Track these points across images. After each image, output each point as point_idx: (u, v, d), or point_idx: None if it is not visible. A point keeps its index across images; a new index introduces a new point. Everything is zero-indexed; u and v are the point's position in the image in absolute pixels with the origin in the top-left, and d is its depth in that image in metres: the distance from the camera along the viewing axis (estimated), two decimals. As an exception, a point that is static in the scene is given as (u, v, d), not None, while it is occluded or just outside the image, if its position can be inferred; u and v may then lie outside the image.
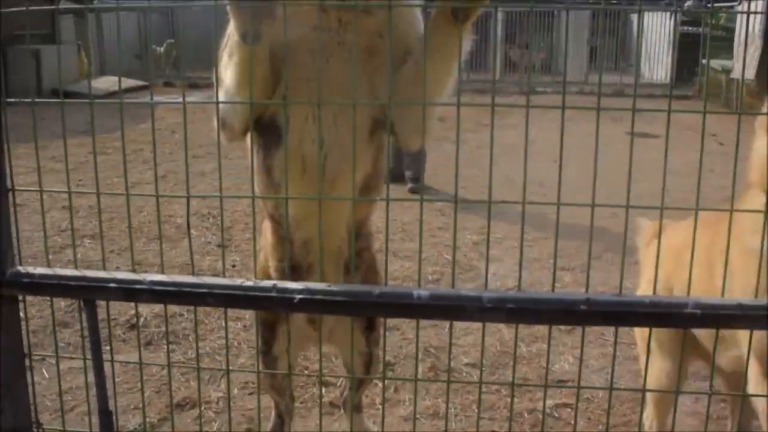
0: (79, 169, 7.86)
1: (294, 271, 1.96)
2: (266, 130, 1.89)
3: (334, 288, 1.41)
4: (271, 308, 1.40)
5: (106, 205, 6.05)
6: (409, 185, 7.35)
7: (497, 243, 5.44)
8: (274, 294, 1.41)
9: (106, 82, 16.24)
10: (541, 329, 4.07)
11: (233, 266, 4.98)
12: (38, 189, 1.65)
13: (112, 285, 1.46)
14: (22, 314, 1.60)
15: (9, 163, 1.56)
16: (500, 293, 1.40)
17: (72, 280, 1.49)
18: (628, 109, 1.44)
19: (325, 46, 1.75)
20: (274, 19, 1.56)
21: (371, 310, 1.53)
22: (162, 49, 19.46)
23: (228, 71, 1.76)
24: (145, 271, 4.63)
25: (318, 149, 1.80)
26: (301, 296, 1.39)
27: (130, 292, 1.46)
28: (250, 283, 1.44)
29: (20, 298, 1.55)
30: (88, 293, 1.48)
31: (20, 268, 1.53)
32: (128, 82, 16.34)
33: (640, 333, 2.65)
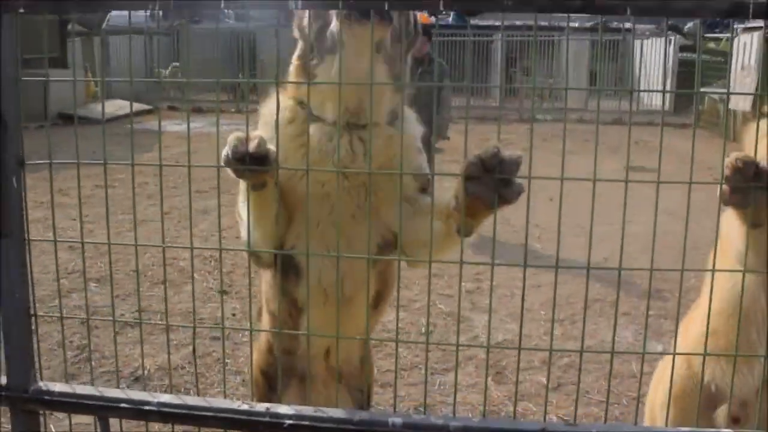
0: (86, 204, 7.96)
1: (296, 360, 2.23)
2: (286, 259, 2.10)
3: (320, 414, 1.60)
4: (264, 431, 1.59)
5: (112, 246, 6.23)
6: None
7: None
8: (267, 419, 1.60)
9: (112, 106, 16.51)
10: (528, 386, 4.27)
11: (233, 315, 5.16)
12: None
13: (123, 405, 1.65)
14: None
15: (32, 288, 1.76)
16: (465, 420, 1.58)
17: (88, 399, 1.68)
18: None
19: (329, 195, 1.97)
20: (272, 178, 1.78)
21: (352, 435, 1.72)
22: (167, 71, 19.74)
23: (243, 210, 1.99)
24: (149, 319, 4.83)
25: (337, 283, 2.00)
26: (290, 421, 1.59)
27: (140, 413, 1.65)
28: (246, 407, 1.63)
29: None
30: (102, 412, 1.67)
31: (41, 385, 1.73)
32: (134, 106, 16.57)
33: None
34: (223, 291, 5.61)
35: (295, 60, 2.11)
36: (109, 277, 5.93)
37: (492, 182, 1.62)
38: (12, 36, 1.59)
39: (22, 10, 1.54)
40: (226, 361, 4.43)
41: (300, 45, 2.08)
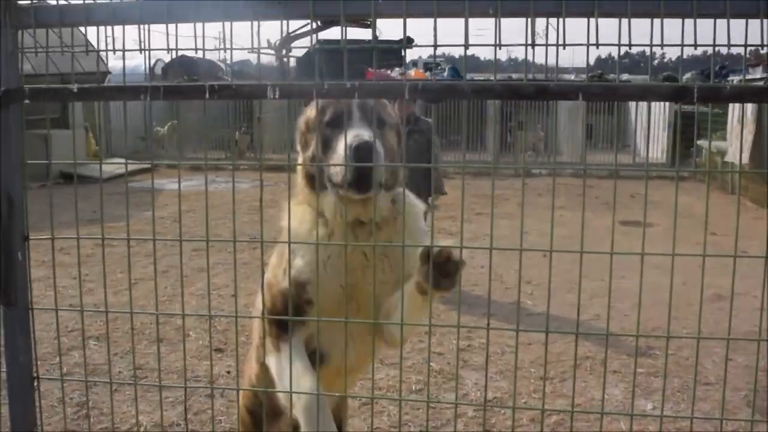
0: (86, 263, 8.13)
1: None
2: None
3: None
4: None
5: (110, 304, 6.36)
6: None
7: (481, 349, 5.71)
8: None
9: (111, 165, 16.75)
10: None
11: (228, 372, 5.24)
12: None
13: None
14: None
15: (35, 351, 1.88)
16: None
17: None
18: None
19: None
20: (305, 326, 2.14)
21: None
22: (164, 130, 20.04)
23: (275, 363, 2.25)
24: (146, 377, 4.92)
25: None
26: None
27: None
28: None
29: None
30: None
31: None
32: (132, 165, 16.83)
33: None
34: (219, 349, 5.72)
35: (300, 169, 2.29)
36: (108, 335, 6.04)
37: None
38: (18, 123, 1.75)
39: (27, 101, 1.69)
40: (220, 418, 4.52)
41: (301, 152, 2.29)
